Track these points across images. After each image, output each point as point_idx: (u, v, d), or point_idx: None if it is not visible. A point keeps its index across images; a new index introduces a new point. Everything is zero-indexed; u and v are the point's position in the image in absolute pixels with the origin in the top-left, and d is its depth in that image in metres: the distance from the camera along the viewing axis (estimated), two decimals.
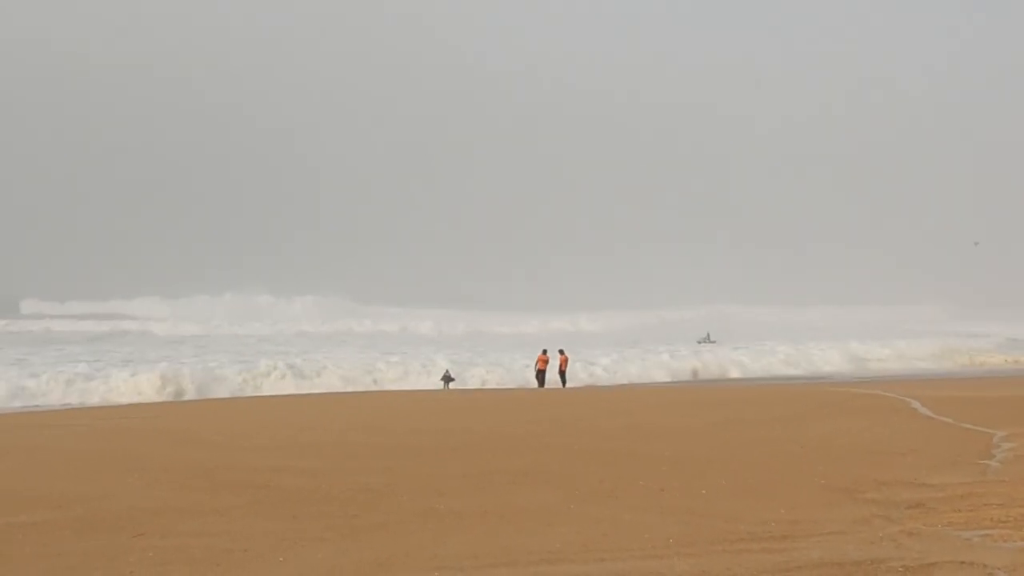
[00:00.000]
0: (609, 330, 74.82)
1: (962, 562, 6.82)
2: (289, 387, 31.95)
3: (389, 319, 77.93)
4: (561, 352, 33.02)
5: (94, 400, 28.06)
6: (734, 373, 39.81)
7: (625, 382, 35.89)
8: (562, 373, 32.36)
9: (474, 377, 35.28)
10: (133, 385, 30.05)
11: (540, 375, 32.19)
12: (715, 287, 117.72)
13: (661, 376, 37.72)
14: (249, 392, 30.71)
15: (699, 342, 54.29)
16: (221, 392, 30.18)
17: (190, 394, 29.71)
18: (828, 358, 43.56)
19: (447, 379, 33.58)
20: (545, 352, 32.98)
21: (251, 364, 34.94)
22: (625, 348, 46.35)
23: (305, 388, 31.73)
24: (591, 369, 37.59)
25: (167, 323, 70.69)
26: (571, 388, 31.34)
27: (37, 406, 25.88)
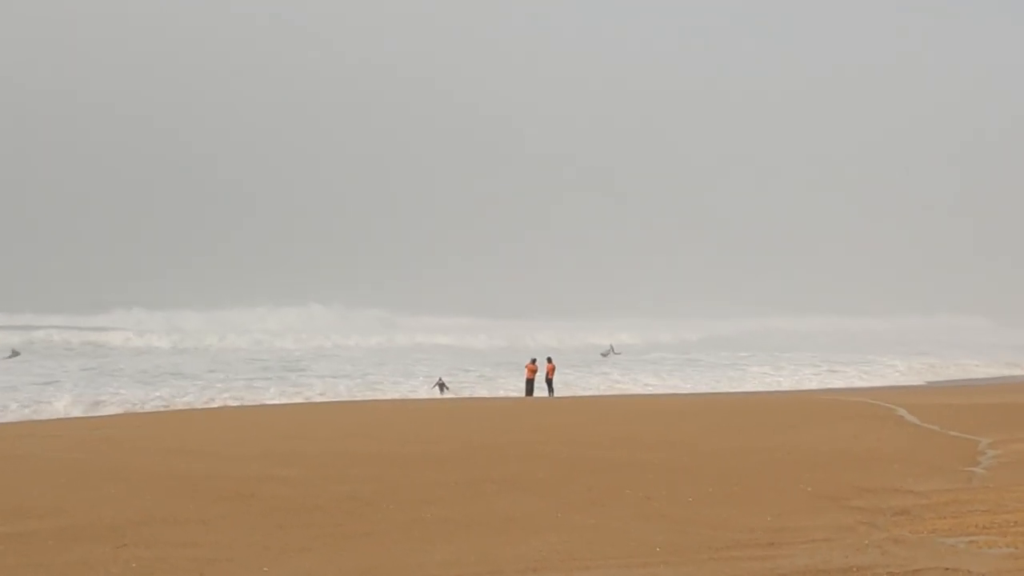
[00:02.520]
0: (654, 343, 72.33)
1: (947, 568, 6.84)
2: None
3: (438, 331, 74.94)
4: (549, 360, 33.05)
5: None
6: None
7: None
8: (549, 382, 32.38)
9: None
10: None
11: (529, 384, 32.20)
12: (750, 297, 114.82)
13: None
14: None
15: (603, 355, 50.96)
16: None
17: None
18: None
19: (441, 386, 33.55)
20: (533, 361, 33.00)
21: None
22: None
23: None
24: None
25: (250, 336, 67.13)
26: (558, 397, 31.35)
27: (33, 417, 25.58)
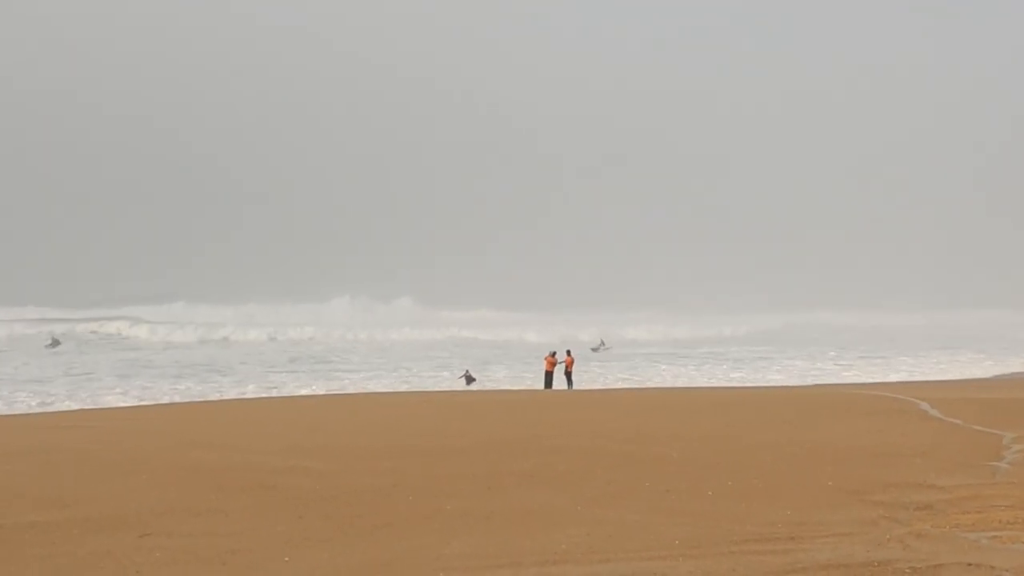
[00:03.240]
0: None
1: (969, 564, 6.78)
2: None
3: (465, 325, 74.75)
4: (568, 353, 33.08)
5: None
6: None
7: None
8: (568, 375, 32.40)
9: None
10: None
11: (548, 377, 32.22)
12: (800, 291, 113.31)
13: None
14: None
15: (593, 350, 52.18)
16: None
17: None
18: None
19: (468, 379, 33.72)
20: (553, 354, 33.03)
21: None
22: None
23: None
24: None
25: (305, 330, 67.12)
26: (577, 390, 31.32)
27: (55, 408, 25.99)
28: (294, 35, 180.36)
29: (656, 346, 60.08)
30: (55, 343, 54.93)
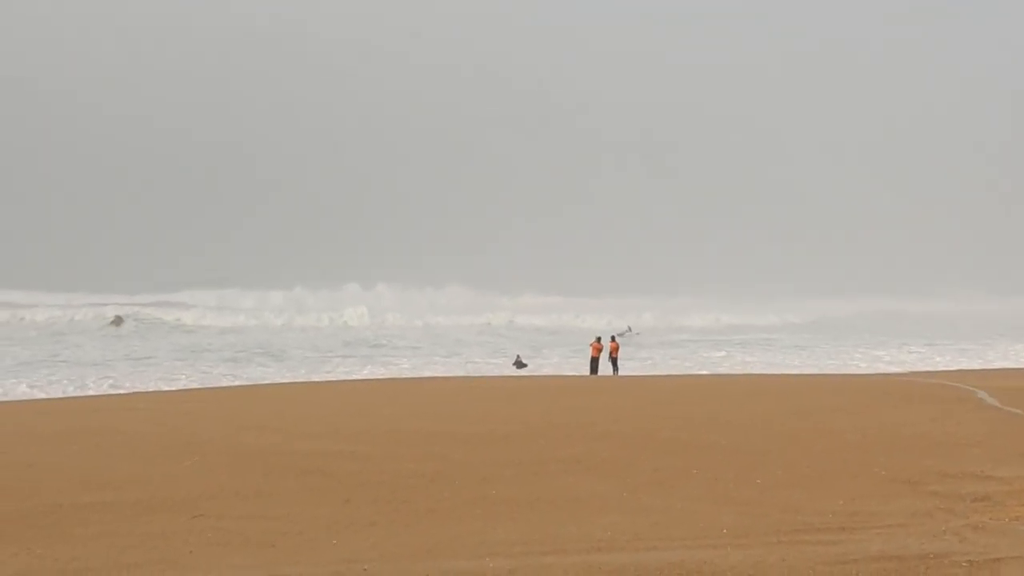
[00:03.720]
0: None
1: None
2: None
3: (518, 310, 75.07)
4: (613, 339, 32.93)
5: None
6: None
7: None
8: (613, 360, 32.25)
9: None
10: None
11: (594, 363, 32.11)
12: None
13: None
14: None
15: (619, 335, 52.32)
16: None
17: None
18: None
19: (519, 364, 33.82)
20: (599, 339, 32.92)
21: None
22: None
23: None
24: None
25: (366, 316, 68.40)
26: (623, 376, 31.15)
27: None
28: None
29: (708, 333, 59.47)
30: (119, 320, 57.16)
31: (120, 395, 24.27)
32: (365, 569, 6.51)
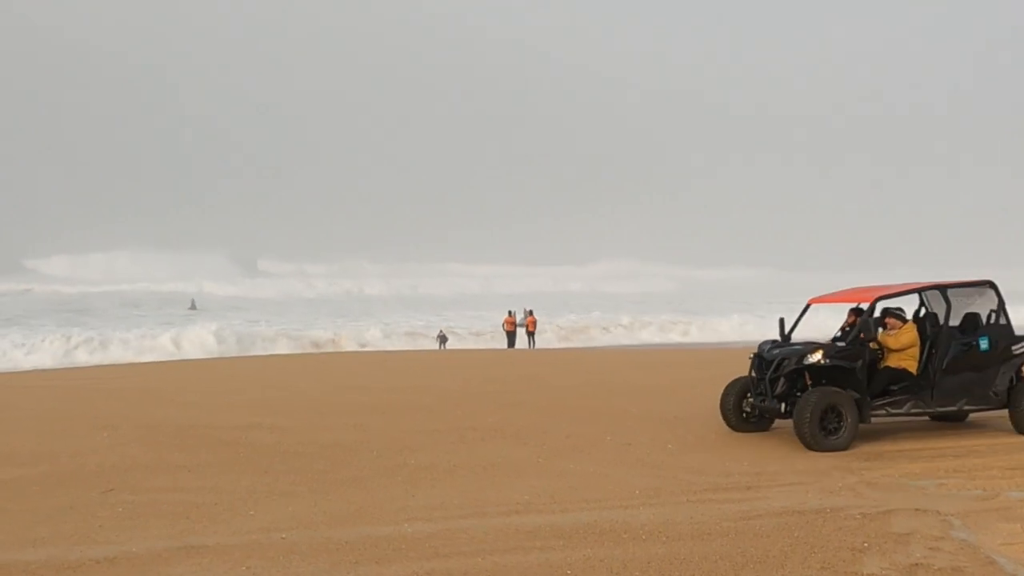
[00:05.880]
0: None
1: (917, 509, 7.04)
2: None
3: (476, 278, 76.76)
4: (530, 313, 33.32)
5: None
6: None
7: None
8: (530, 334, 32.66)
9: None
10: None
11: (510, 336, 32.44)
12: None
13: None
14: None
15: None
16: None
17: None
18: None
19: (442, 339, 33.91)
20: (511, 313, 33.29)
21: None
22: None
23: None
24: None
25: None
26: (539, 349, 31.57)
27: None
28: None
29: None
30: (193, 306, 59.21)
31: (27, 372, 23.33)
32: (283, 537, 6.51)
